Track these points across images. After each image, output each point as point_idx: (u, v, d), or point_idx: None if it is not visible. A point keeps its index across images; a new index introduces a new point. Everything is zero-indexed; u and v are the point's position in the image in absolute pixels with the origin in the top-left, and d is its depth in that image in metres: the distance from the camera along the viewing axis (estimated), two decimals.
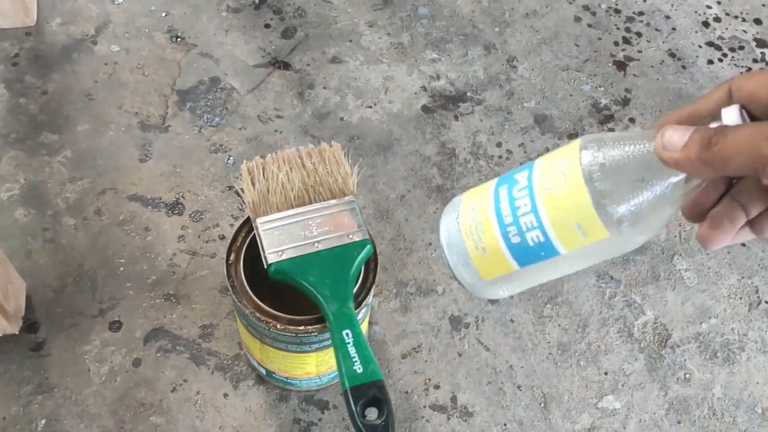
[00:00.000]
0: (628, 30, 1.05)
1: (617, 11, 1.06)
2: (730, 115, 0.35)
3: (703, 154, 0.34)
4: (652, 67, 1.01)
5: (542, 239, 0.40)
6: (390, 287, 0.81)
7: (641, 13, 1.07)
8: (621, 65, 1.01)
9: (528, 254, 0.41)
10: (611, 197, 0.37)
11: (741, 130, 0.34)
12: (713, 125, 0.35)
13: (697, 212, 0.40)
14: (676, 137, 0.35)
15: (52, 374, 0.72)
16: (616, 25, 1.05)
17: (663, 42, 1.04)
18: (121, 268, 0.79)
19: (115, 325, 0.76)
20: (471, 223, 0.43)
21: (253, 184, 0.64)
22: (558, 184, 0.39)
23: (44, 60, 0.94)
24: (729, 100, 0.37)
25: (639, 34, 1.04)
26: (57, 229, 0.81)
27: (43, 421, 0.70)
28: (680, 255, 0.85)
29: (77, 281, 0.78)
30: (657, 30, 1.05)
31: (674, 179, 0.37)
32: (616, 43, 1.03)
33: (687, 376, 0.78)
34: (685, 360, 0.78)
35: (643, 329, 0.80)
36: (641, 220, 0.37)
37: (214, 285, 0.79)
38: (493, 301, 0.81)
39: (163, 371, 0.73)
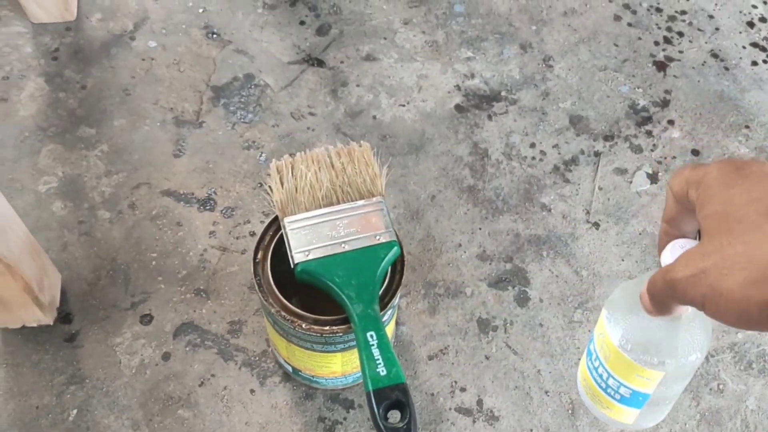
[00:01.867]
0: (669, 29, 1.02)
1: (659, 10, 1.04)
2: (665, 255, 0.41)
3: (654, 300, 0.39)
4: (694, 68, 0.99)
5: (630, 391, 0.48)
6: (418, 288, 0.80)
7: (683, 12, 1.04)
8: (661, 66, 0.99)
9: (632, 401, 0.49)
10: (642, 351, 0.45)
11: (658, 276, 0.38)
12: (666, 251, 0.40)
13: None
14: (644, 301, 0.41)
15: (84, 365, 0.74)
16: (657, 24, 1.03)
17: (705, 42, 1.02)
18: (153, 262, 0.80)
19: (146, 319, 0.77)
20: (590, 393, 0.53)
21: (282, 183, 0.64)
22: (608, 354, 0.48)
23: (83, 55, 0.95)
24: (682, 209, 0.40)
25: (681, 34, 1.02)
26: (92, 222, 0.83)
27: (75, 411, 0.71)
28: None
29: (111, 274, 0.79)
30: (699, 30, 1.03)
31: (680, 319, 0.43)
32: (657, 43, 1.01)
33: (720, 386, 0.76)
34: (719, 370, 0.77)
35: None
36: (677, 352, 0.44)
37: (244, 281, 0.80)
38: (522, 305, 0.80)
39: (192, 365, 0.74)
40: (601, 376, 0.50)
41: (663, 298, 0.38)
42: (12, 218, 0.67)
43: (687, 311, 0.43)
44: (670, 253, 0.40)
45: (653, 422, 0.54)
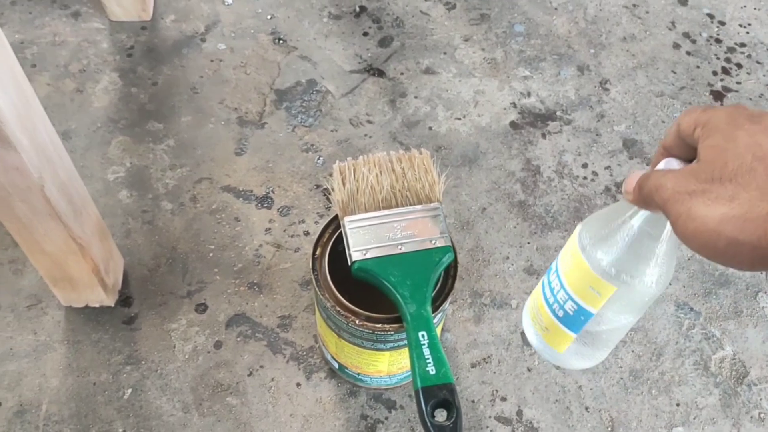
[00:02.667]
0: (728, 60, 1.03)
1: (718, 41, 1.05)
2: (660, 166, 0.42)
3: (638, 195, 0.41)
4: (750, 99, 0.99)
5: (575, 307, 0.49)
6: (465, 296, 0.82)
7: (743, 45, 1.05)
8: (718, 95, 0.99)
9: (574, 321, 0.50)
10: (603, 257, 0.46)
11: (654, 175, 0.40)
12: (660, 165, 0.42)
13: None
14: (629, 183, 0.43)
15: (140, 347, 0.77)
16: (716, 54, 1.03)
17: (764, 75, 1.02)
18: (211, 254, 0.84)
19: (201, 308, 0.80)
20: (534, 311, 0.54)
21: (344, 184, 0.66)
22: (568, 261, 0.49)
23: (156, 53, 1.00)
24: (678, 137, 0.41)
25: (739, 66, 1.02)
26: (155, 212, 0.86)
27: (129, 390, 0.74)
28: (765, 292, 0.83)
29: (170, 262, 0.83)
30: (758, 63, 1.03)
31: (646, 228, 0.44)
32: (715, 73, 1.02)
33: (762, 415, 0.76)
34: (761, 399, 0.76)
35: (720, 364, 0.79)
36: (635, 269, 0.45)
37: (296, 278, 0.82)
38: None
39: (242, 355, 0.77)
40: (553, 289, 0.51)
41: (645, 196, 0.40)
42: (87, 201, 0.70)
43: (662, 233, 0.44)
44: (664, 166, 0.42)
45: (582, 363, 0.54)
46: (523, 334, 0.79)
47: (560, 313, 0.50)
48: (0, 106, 0.52)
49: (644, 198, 0.41)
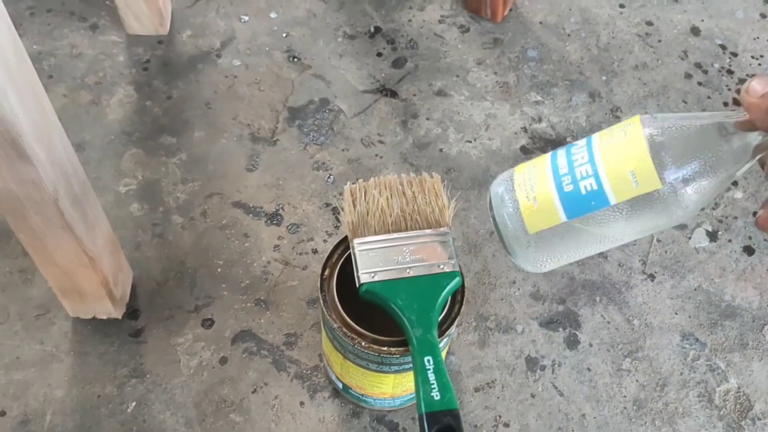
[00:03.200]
0: (739, 92, 1.03)
1: (730, 72, 1.05)
2: None
3: None
4: None
5: (595, 187, 0.42)
6: (470, 320, 0.82)
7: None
8: None
9: (578, 203, 0.43)
10: (667, 150, 0.40)
11: None
12: None
13: None
14: (760, 86, 0.38)
15: (146, 360, 0.77)
16: (727, 86, 1.04)
17: None
18: (219, 269, 0.84)
19: (208, 323, 0.80)
20: (525, 177, 0.46)
21: (354, 206, 0.67)
22: (617, 138, 0.42)
23: (172, 67, 1.01)
24: None
25: None
26: (166, 225, 0.87)
27: (134, 404, 0.75)
28: None
29: (178, 276, 0.83)
30: None
31: (728, 149, 0.39)
32: (726, 104, 1.02)
33: None
34: None
35: (724, 396, 0.78)
36: (693, 179, 0.40)
37: (303, 296, 0.83)
38: (571, 347, 0.81)
39: (247, 372, 0.77)
40: (572, 161, 0.43)
41: None
42: (100, 215, 0.71)
43: (743, 162, 0.39)
44: None
45: (535, 261, 0.48)
46: (528, 359, 0.79)
47: (568, 188, 0.43)
48: (19, 120, 0.53)
49: None
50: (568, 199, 0.43)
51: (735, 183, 0.95)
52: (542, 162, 0.46)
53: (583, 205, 0.43)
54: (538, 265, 0.49)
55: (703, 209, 0.44)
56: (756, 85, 0.38)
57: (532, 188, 0.45)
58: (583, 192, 0.42)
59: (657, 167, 0.40)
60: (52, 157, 0.59)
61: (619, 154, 0.42)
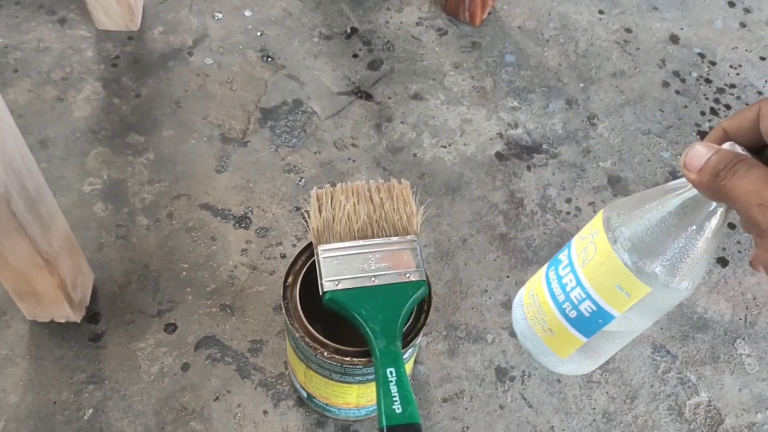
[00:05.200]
0: (717, 101, 1.03)
1: (708, 81, 1.04)
2: (726, 146, 0.37)
3: (712, 183, 0.35)
4: None
5: (594, 308, 0.42)
6: (440, 329, 0.81)
7: (732, 86, 1.05)
8: (705, 136, 0.99)
9: (588, 325, 0.43)
10: (640, 254, 0.39)
11: (749, 175, 0.34)
12: (725, 146, 0.36)
13: None
14: (696, 159, 0.36)
15: (105, 366, 0.75)
16: (705, 95, 1.03)
17: None
18: (184, 273, 0.82)
19: (171, 328, 0.78)
20: (533, 309, 0.46)
21: (320, 212, 0.65)
22: (591, 254, 0.41)
23: (142, 65, 0.99)
24: (757, 122, 0.37)
25: (728, 107, 1.02)
26: (130, 227, 0.85)
27: (91, 411, 0.72)
28: (743, 339, 0.82)
29: (141, 280, 0.81)
30: (747, 104, 1.03)
31: (697, 221, 0.38)
32: (703, 113, 1.01)
33: None
34: None
35: (694, 410, 0.77)
36: (677, 268, 0.39)
37: (269, 302, 0.81)
38: None
39: (209, 379, 0.75)
40: (564, 286, 0.43)
41: (721, 187, 0.34)
42: (57, 216, 0.69)
43: (711, 226, 0.38)
44: (730, 148, 0.37)
45: (579, 369, 0.48)
46: (498, 369, 0.78)
47: (572, 314, 0.43)
48: None
49: (721, 193, 0.35)
50: (577, 323, 0.43)
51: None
52: (541, 287, 0.46)
53: (593, 325, 0.43)
54: (586, 369, 0.49)
55: None
56: (692, 159, 0.37)
57: (543, 320, 0.45)
58: (587, 315, 0.42)
59: (638, 276, 0.39)
60: (3, 156, 0.57)
61: (600, 271, 0.41)
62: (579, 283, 0.42)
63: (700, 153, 0.36)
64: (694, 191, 0.38)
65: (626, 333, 0.45)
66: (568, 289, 0.43)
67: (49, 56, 0.98)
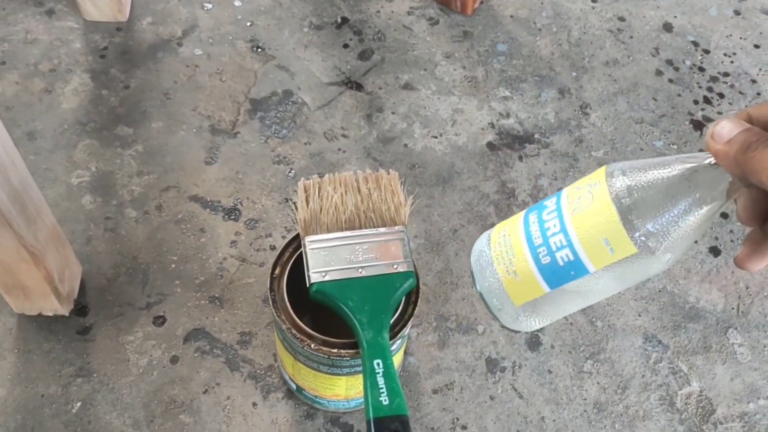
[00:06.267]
0: (710, 90, 1.02)
1: (701, 69, 1.04)
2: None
3: (739, 155, 0.35)
4: None
5: (572, 257, 0.41)
6: (430, 320, 0.80)
7: (726, 74, 1.04)
8: (698, 125, 0.98)
9: (558, 275, 0.42)
10: (638, 211, 0.39)
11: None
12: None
13: (750, 215, 0.39)
14: (726, 131, 0.37)
15: (93, 359, 0.75)
16: (698, 83, 1.02)
17: (745, 106, 1.01)
18: (173, 265, 0.81)
19: (159, 320, 0.78)
20: (502, 249, 0.45)
21: (307, 202, 0.65)
22: (586, 203, 0.41)
23: (130, 56, 0.98)
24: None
25: (721, 96, 1.02)
26: (119, 219, 0.84)
27: (79, 404, 0.72)
28: (735, 329, 0.82)
29: (130, 272, 0.81)
30: (741, 93, 1.02)
31: (700, 196, 0.38)
32: (696, 102, 1.01)
33: None
34: None
35: (686, 400, 0.77)
36: (667, 236, 0.39)
37: (259, 294, 0.80)
38: (532, 349, 0.79)
39: (198, 372, 0.75)
40: (545, 230, 0.42)
41: (750, 162, 0.34)
42: (42, 208, 0.68)
43: (715, 205, 0.38)
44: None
45: (539, 322, 0.47)
46: (489, 360, 0.78)
47: (545, 260, 0.42)
48: None
49: (747, 165, 0.35)
50: (547, 271, 0.42)
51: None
52: (516, 228, 0.45)
53: (563, 275, 0.42)
54: (526, 326, 0.48)
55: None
56: (721, 130, 0.37)
57: (510, 261, 0.44)
58: (561, 264, 0.42)
59: (629, 232, 0.39)
60: None
61: (590, 221, 0.41)
62: (563, 229, 0.41)
63: (729, 126, 0.37)
64: (707, 164, 0.38)
65: (588, 295, 0.44)
66: (549, 234, 0.42)
67: (36, 48, 0.97)
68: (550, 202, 0.44)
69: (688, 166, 0.39)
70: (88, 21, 1.00)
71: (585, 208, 0.41)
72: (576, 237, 0.41)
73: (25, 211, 0.64)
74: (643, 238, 0.39)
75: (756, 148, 0.35)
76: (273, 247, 0.84)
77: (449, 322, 0.80)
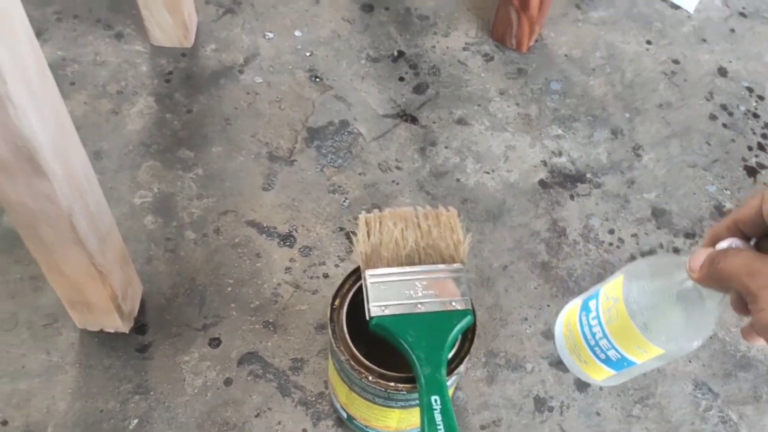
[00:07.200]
0: (764, 136, 1.02)
1: (756, 116, 1.04)
2: (721, 244, 0.43)
3: (711, 271, 0.42)
4: None
5: (619, 355, 0.51)
6: (479, 355, 0.81)
7: None
8: (752, 171, 0.98)
9: (616, 364, 0.52)
10: (654, 325, 0.48)
11: (738, 255, 0.41)
12: (723, 244, 0.43)
13: (740, 307, 0.45)
14: (697, 260, 0.43)
15: (151, 377, 0.77)
16: (752, 129, 1.02)
17: None
18: (229, 288, 0.83)
19: (215, 342, 0.80)
20: (571, 342, 0.55)
21: (369, 236, 0.66)
22: (614, 317, 0.50)
23: (194, 81, 1.01)
24: (760, 209, 0.42)
25: None
26: (178, 240, 0.87)
27: (136, 421, 0.74)
28: None
29: (188, 293, 0.83)
30: None
31: (705, 301, 0.45)
32: (750, 148, 1.01)
33: None
34: None
35: None
36: (686, 336, 0.48)
37: (311, 321, 0.82)
38: (581, 390, 0.79)
39: (251, 395, 0.76)
40: (594, 335, 0.52)
41: (722, 275, 0.41)
42: (113, 230, 0.71)
43: (714, 298, 0.45)
44: (727, 245, 0.43)
45: (616, 383, 0.56)
46: (537, 399, 0.78)
47: (602, 356, 0.52)
48: (37, 136, 0.53)
49: (718, 276, 0.42)
50: (607, 362, 0.52)
51: None
52: (576, 328, 0.54)
53: (620, 365, 0.51)
54: (616, 383, 0.57)
55: None
56: (693, 263, 0.44)
57: (579, 354, 0.54)
58: (614, 359, 0.51)
59: (653, 341, 0.48)
60: (68, 173, 0.59)
61: (622, 333, 0.50)
62: (605, 336, 0.51)
63: (698, 257, 0.44)
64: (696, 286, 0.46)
65: (651, 366, 0.52)
66: (598, 338, 0.52)
67: (105, 70, 1.01)
68: (593, 304, 0.53)
69: (683, 288, 0.46)
70: (155, 46, 1.03)
71: (614, 322, 0.50)
72: (616, 343, 0.51)
73: (98, 231, 0.67)
74: (666, 342, 0.48)
75: (719, 262, 0.42)
76: (326, 275, 0.85)
77: (498, 358, 0.81)
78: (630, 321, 0.48)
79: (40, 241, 0.63)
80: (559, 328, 0.57)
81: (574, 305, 0.56)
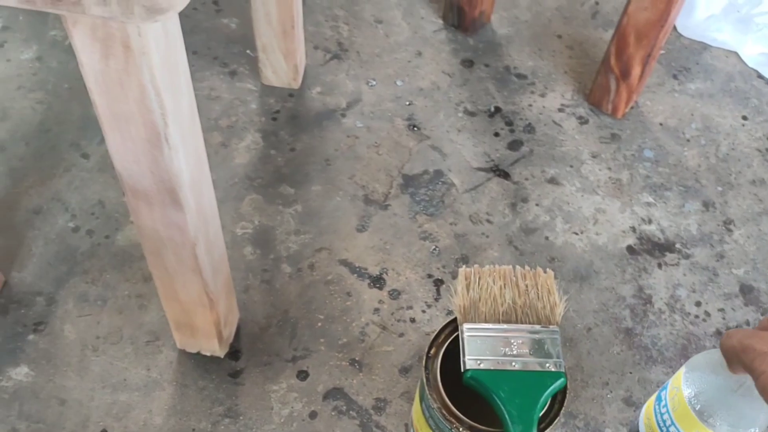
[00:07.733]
0: None
1: None
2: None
3: (722, 350, 0.50)
4: None
5: None
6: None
7: None
8: None
9: None
10: (712, 416, 0.56)
11: (736, 333, 0.48)
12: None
13: None
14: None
15: (241, 402, 0.80)
16: None
17: None
18: (319, 324, 0.87)
19: (303, 375, 0.83)
20: (649, 428, 0.67)
21: (468, 290, 0.69)
22: (677, 405, 0.60)
23: (299, 121, 1.06)
24: None
25: None
26: (274, 273, 0.91)
27: None
28: None
29: (280, 324, 0.86)
30: None
31: (753, 390, 0.50)
32: None
33: None
34: None
35: None
36: (741, 423, 0.54)
37: (396, 363, 0.84)
38: None
39: (334, 431, 0.79)
40: (665, 421, 0.62)
41: (731, 356, 0.47)
42: (224, 260, 0.75)
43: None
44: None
45: None
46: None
47: None
48: (182, 172, 0.58)
49: (726, 356, 0.48)
50: None
51: None
52: (652, 417, 0.65)
53: None
54: None
55: None
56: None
57: None
58: None
59: (711, 428, 0.57)
60: (199, 205, 0.64)
61: (684, 420, 0.58)
62: (673, 423, 0.60)
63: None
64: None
65: None
66: (666, 424, 0.62)
67: (218, 104, 1.07)
68: (664, 394, 0.63)
69: (733, 378, 0.54)
70: (265, 85, 1.09)
71: (677, 409, 0.59)
72: (681, 428, 0.59)
73: (213, 261, 0.71)
74: (720, 428, 0.55)
75: (722, 342, 0.48)
76: (413, 320, 0.88)
77: (577, 420, 0.82)
78: (688, 408, 0.56)
79: (163, 267, 0.68)
80: (641, 418, 0.67)
81: (651, 398, 0.67)
